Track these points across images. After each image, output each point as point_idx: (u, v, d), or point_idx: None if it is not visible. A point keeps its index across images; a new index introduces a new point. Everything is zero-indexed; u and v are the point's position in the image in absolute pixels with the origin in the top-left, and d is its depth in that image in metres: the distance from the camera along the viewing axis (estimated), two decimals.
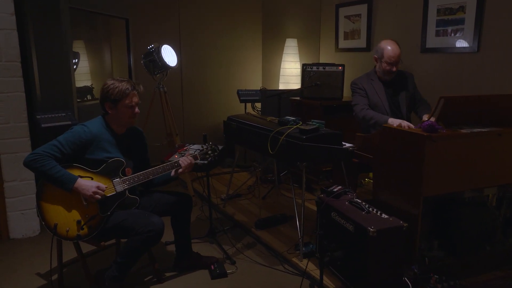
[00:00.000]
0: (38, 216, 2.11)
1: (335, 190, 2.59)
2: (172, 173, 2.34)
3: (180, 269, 2.60)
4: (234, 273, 2.59)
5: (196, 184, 4.17)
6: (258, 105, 4.90)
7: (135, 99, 2.24)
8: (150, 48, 3.59)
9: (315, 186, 3.89)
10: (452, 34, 3.39)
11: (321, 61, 4.83)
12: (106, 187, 2.12)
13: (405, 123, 2.56)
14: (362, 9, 4.24)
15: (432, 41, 3.56)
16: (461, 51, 3.32)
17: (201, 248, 2.86)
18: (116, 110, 2.21)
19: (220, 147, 2.62)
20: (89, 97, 4.26)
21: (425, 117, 2.66)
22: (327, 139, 2.62)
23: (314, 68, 3.93)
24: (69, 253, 2.53)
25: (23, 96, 3.00)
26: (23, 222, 3.08)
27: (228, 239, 3.02)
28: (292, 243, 2.88)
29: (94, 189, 2.07)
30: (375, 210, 2.33)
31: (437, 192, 2.31)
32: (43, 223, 2.09)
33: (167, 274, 2.56)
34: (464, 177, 2.33)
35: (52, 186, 2.09)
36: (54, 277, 2.52)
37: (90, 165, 2.15)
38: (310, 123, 2.77)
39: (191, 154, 2.43)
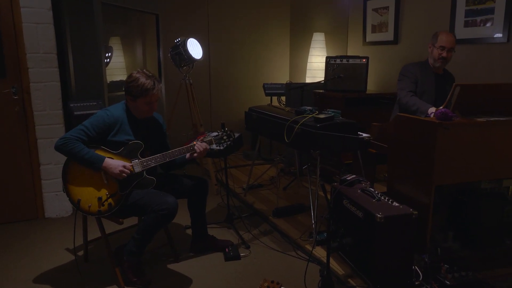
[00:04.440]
0: (63, 191, 2.28)
1: (349, 178, 2.60)
2: (187, 155, 2.45)
3: (196, 251, 2.71)
4: (247, 256, 2.66)
5: (220, 174, 4.28)
6: (284, 98, 4.94)
7: (154, 98, 2.35)
8: (177, 42, 3.74)
9: (335, 178, 3.88)
10: (482, 24, 3.28)
11: (348, 55, 4.80)
12: (130, 165, 2.26)
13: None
14: (390, 1, 4.17)
15: (461, 32, 3.45)
16: (491, 42, 3.21)
17: (218, 232, 2.96)
18: (135, 103, 2.35)
19: (236, 134, 2.69)
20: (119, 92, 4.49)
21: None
22: (341, 128, 2.63)
23: (338, 61, 3.92)
24: (94, 232, 2.71)
25: (59, 86, 3.23)
26: (57, 203, 3.32)
27: (245, 225, 3.10)
28: (307, 231, 2.91)
29: (121, 168, 2.22)
30: (386, 198, 2.33)
31: (451, 181, 2.26)
32: (68, 198, 2.26)
33: (184, 255, 2.68)
34: (480, 167, 2.27)
35: (76, 166, 2.25)
36: (80, 252, 2.72)
37: (112, 147, 2.31)
38: (326, 112, 2.79)
39: (207, 139, 2.53)
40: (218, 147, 2.70)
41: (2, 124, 3.11)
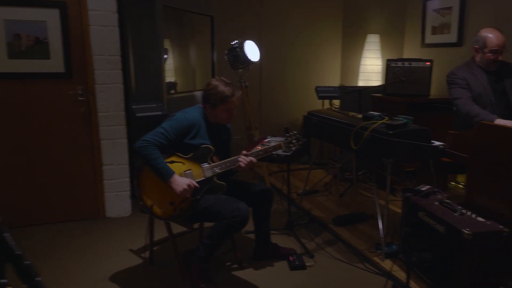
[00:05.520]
0: (136, 195, 2.29)
1: (423, 189, 2.47)
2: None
3: (259, 258, 2.66)
4: (312, 266, 2.58)
5: (272, 178, 4.23)
6: (336, 102, 4.82)
7: (233, 105, 2.33)
8: (234, 44, 3.71)
9: (396, 187, 3.74)
10: None
11: (405, 57, 4.62)
12: (196, 184, 2.22)
13: None
14: (454, 1, 3.97)
15: None
16: None
17: (279, 239, 2.90)
18: (214, 111, 2.34)
19: (303, 139, 2.62)
20: (172, 91, 4.52)
21: None
22: (415, 135, 2.50)
23: (399, 64, 3.77)
24: (157, 233, 2.71)
25: (122, 88, 3.28)
26: (118, 203, 3.36)
27: (306, 233, 3.02)
28: (371, 242, 2.80)
29: (185, 187, 2.17)
30: (468, 212, 2.18)
31: None
32: (141, 203, 2.27)
33: (247, 262, 2.63)
34: None
35: (150, 171, 2.25)
36: (145, 254, 2.73)
37: (184, 150, 2.30)
38: (397, 118, 2.67)
39: (272, 144, 2.46)
40: (284, 153, 2.63)
41: (68, 124, 3.19)
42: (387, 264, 2.51)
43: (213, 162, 2.34)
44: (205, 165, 2.31)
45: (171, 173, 2.20)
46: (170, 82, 4.49)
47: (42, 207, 3.22)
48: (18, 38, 3.00)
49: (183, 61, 4.68)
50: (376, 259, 2.59)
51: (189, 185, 2.20)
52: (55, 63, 3.10)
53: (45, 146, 3.16)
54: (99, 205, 3.35)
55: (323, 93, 4.68)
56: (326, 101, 4.89)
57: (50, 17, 3.04)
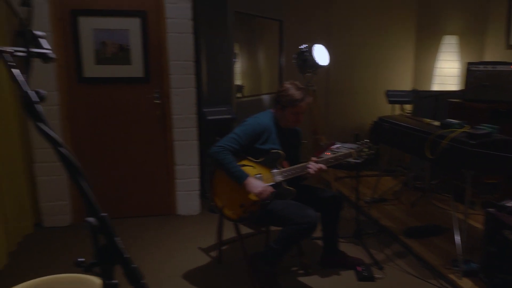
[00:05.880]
0: (208, 195, 2.37)
1: (509, 205, 2.28)
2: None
3: (326, 266, 2.63)
4: (382, 279, 2.49)
5: (338, 184, 4.15)
6: (407, 107, 4.61)
7: (301, 109, 2.35)
8: (303, 48, 3.70)
9: (474, 199, 3.48)
10: None
11: (486, 60, 4.30)
12: (271, 188, 2.25)
13: None
14: None
15: None
16: None
17: (346, 248, 2.84)
18: (283, 112, 2.38)
19: (375, 147, 2.54)
20: (239, 95, 4.62)
21: None
22: (501, 146, 2.31)
23: (481, 67, 3.50)
24: (225, 233, 2.79)
25: (194, 91, 3.42)
26: (188, 202, 3.51)
27: (375, 243, 2.92)
28: (447, 258, 2.63)
29: (261, 189, 2.22)
30: None
31: None
32: (212, 203, 2.34)
33: (313, 268, 2.61)
34: None
35: (223, 174, 2.32)
36: (213, 253, 2.82)
37: (255, 154, 2.35)
38: (480, 127, 2.49)
39: (345, 152, 2.42)
40: (355, 160, 2.57)
41: (145, 125, 3.39)
42: (465, 283, 2.35)
43: (283, 167, 2.36)
44: (275, 170, 2.33)
45: (245, 176, 2.24)
46: (236, 85, 4.60)
47: (121, 202, 3.46)
48: (104, 45, 3.25)
49: (250, 65, 4.76)
50: (452, 276, 2.43)
51: (265, 188, 2.23)
52: (135, 68, 3.32)
53: (125, 145, 3.40)
54: (170, 203, 3.52)
55: (394, 97, 4.49)
56: (396, 106, 4.70)
57: (132, 26, 3.26)
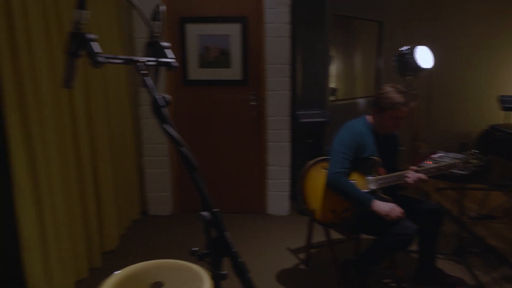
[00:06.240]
0: (298, 198, 2.39)
1: None
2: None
3: (421, 282, 2.47)
4: None
5: (438, 195, 3.86)
6: None
7: (402, 114, 2.21)
8: (405, 50, 3.52)
9: None
10: None
11: None
12: (400, 209, 2.14)
13: None
14: None
15: None
16: None
17: (444, 265, 2.63)
18: (380, 116, 2.26)
19: (485, 159, 2.31)
20: (333, 98, 4.56)
21: None
22: None
23: None
24: (314, 236, 2.78)
25: (289, 94, 3.47)
26: (278, 202, 3.59)
27: (479, 264, 2.66)
28: None
29: (388, 209, 2.11)
30: None
31: None
32: (304, 206, 2.36)
33: (407, 284, 2.47)
34: None
35: (314, 178, 2.32)
36: (301, 255, 2.83)
37: (352, 162, 2.28)
38: None
39: (449, 162, 2.25)
40: (461, 171, 2.37)
41: (241, 126, 3.55)
42: None
43: (379, 174, 2.27)
44: (370, 177, 2.26)
45: (370, 198, 2.16)
46: (331, 88, 4.54)
47: (216, 197, 3.65)
48: (207, 50, 3.47)
49: (346, 68, 4.67)
50: None
51: (393, 209, 2.11)
52: (234, 72, 3.48)
53: (223, 144, 3.59)
54: (262, 202, 3.63)
55: (509, 103, 4.02)
56: (511, 113, 4.20)
57: (233, 31, 3.43)
